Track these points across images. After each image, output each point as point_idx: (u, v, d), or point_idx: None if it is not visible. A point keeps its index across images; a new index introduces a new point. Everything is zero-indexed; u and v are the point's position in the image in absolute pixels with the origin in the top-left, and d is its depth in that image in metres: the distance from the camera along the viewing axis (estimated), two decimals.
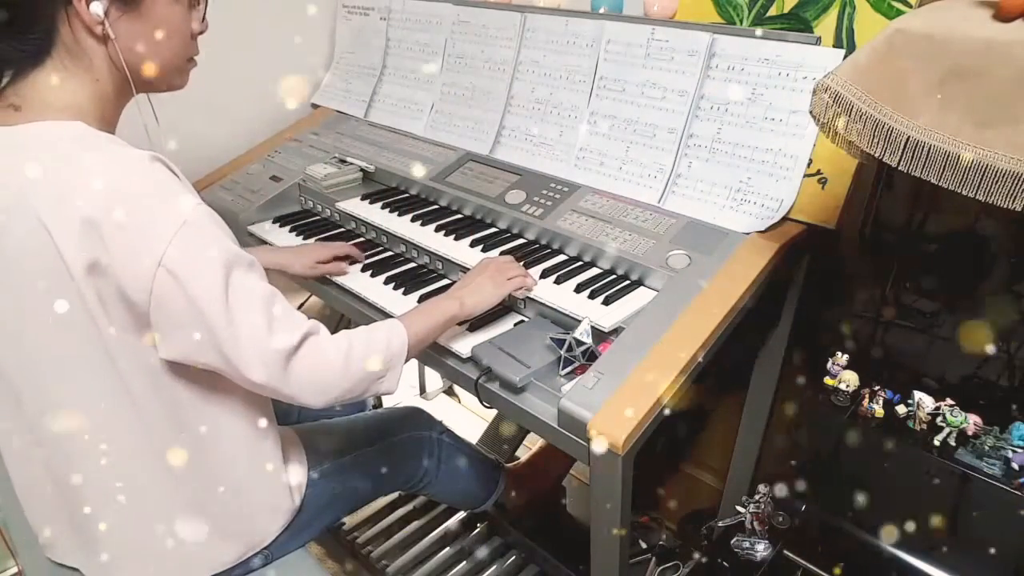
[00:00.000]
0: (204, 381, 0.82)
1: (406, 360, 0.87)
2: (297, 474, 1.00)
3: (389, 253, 1.30)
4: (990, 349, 1.01)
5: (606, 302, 1.03)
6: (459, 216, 1.34)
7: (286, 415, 1.20)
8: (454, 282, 1.18)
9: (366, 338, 0.84)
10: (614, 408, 0.82)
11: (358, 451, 1.11)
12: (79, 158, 0.70)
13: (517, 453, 1.78)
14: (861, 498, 1.05)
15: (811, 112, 0.83)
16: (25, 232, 0.69)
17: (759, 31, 1.10)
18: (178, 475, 0.84)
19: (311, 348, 0.78)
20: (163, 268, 0.69)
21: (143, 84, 0.80)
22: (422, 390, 2.26)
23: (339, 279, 1.20)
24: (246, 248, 1.24)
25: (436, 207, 1.37)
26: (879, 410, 1.01)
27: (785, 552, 1.10)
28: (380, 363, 0.83)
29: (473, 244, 1.21)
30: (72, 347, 0.74)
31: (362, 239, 1.35)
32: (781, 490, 1.11)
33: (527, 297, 1.06)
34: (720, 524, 1.24)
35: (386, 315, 1.09)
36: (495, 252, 1.18)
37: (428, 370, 2.24)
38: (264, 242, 1.37)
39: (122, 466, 0.81)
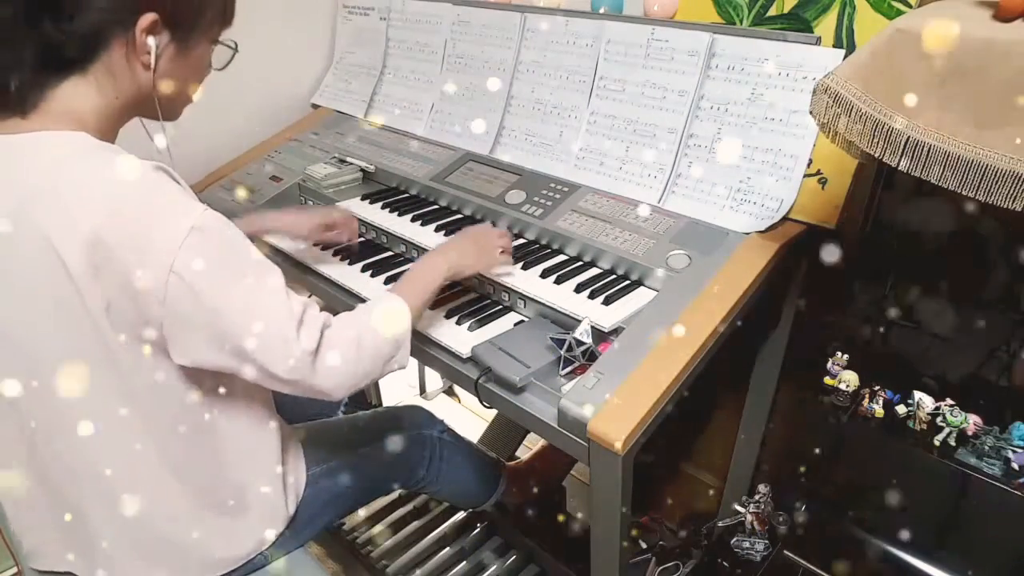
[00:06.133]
0: (209, 382, 0.82)
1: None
2: (297, 473, 1.00)
3: (389, 253, 1.30)
4: (990, 349, 1.01)
5: (606, 302, 1.03)
6: (459, 216, 1.34)
7: (286, 414, 1.19)
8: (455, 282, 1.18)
9: (373, 321, 0.84)
10: (614, 408, 0.82)
11: (358, 450, 1.11)
12: (83, 167, 0.69)
13: (517, 453, 1.78)
14: (861, 498, 1.05)
15: (811, 112, 0.83)
16: (27, 242, 0.68)
17: (759, 31, 1.10)
18: (180, 477, 0.84)
19: (330, 341, 0.79)
20: (175, 274, 0.68)
21: (150, 110, 0.81)
22: (422, 390, 2.26)
23: (339, 279, 1.20)
24: (245, 214, 1.17)
25: (436, 207, 1.37)
26: (879, 410, 1.01)
27: (785, 552, 1.10)
28: (391, 344, 0.85)
29: None
30: (76, 355, 0.74)
31: (362, 239, 1.35)
32: (781, 490, 1.11)
33: (526, 297, 1.07)
34: (720, 524, 1.24)
35: None
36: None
37: (428, 370, 2.24)
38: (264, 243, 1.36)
39: (123, 469, 0.81)
